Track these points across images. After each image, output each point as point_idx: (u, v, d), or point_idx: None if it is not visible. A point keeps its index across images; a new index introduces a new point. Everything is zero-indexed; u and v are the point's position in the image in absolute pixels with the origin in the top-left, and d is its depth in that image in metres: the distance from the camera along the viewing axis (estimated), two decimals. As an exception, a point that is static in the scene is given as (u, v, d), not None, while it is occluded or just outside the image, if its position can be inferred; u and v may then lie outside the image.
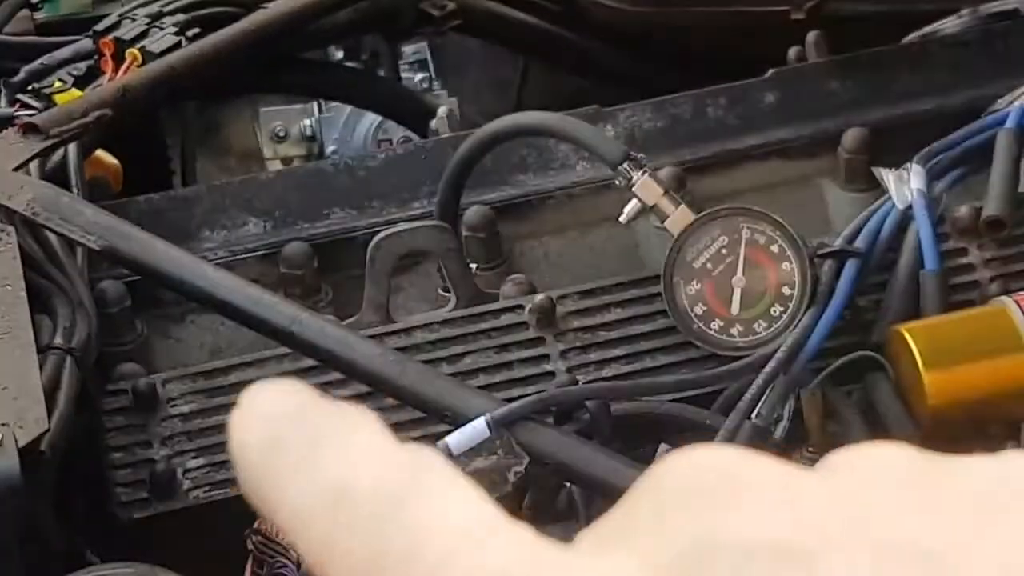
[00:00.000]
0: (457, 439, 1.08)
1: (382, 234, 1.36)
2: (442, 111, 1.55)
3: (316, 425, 0.34)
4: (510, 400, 1.11)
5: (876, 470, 0.32)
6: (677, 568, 0.30)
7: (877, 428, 1.21)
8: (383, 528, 0.32)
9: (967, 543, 0.30)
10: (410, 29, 1.80)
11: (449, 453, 1.08)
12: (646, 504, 0.33)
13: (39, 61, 1.58)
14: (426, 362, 1.24)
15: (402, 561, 0.31)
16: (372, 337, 1.24)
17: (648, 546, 0.31)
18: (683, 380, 1.24)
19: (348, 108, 2.02)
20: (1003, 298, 1.25)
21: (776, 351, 1.23)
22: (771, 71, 1.53)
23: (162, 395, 1.27)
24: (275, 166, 2.00)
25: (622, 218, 1.34)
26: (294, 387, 0.36)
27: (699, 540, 0.31)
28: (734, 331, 1.28)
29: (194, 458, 1.24)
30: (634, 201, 1.32)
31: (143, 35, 1.57)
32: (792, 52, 1.57)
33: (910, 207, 1.31)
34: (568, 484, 1.19)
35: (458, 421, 1.09)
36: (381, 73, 2.10)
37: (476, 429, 1.08)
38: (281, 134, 2.04)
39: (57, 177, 1.38)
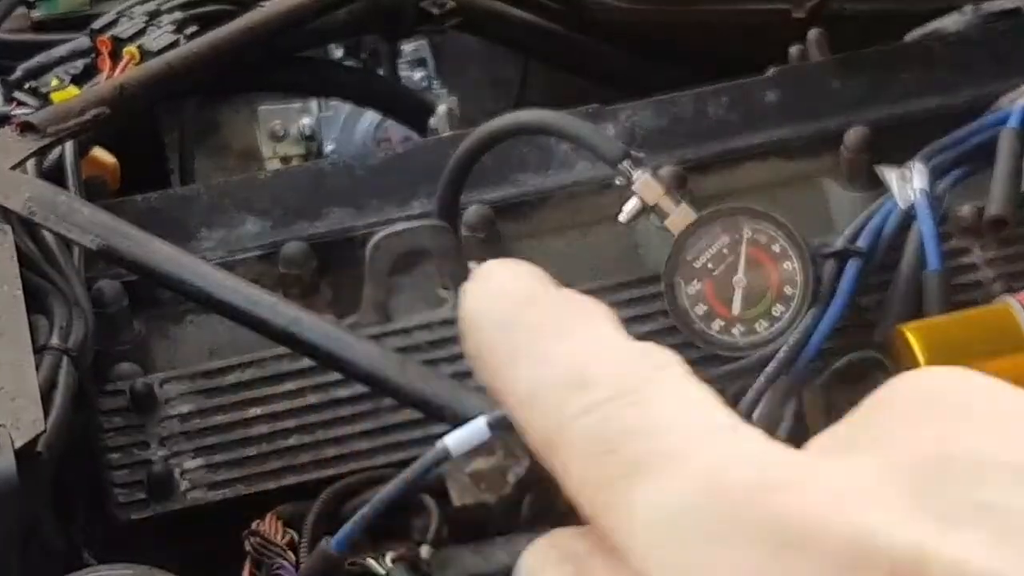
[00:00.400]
0: (456, 439, 1.07)
1: (381, 233, 1.35)
2: (442, 110, 1.55)
3: (555, 310, 0.35)
4: (510, 400, 1.10)
5: None
6: (916, 475, 0.31)
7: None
8: (619, 417, 0.32)
9: None
10: (410, 27, 1.79)
11: (449, 453, 1.07)
12: (881, 415, 0.33)
13: (36, 59, 1.58)
14: (426, 362, 1.24)
15: (636, 449, 0.32)
16: (372, 337, 1.24)
17: (885, 452, 0.32)
18: (684, 380, 1.24)
19: (347, 107, 2.02)
20: (1006, 297, 1.25)
21: (778, 351, 1.23)
22: (772, 70, 1.53)
23: (160, 395, 1.27)
24: (274, 165, 2.00)
25: (622, 217, 1.33)
26: (531, 270, 0.36)
27: (937, 451, 0.31)
28: (735, 331, 1.28)
29: (192, 459, 1.24)
30: (634, 200, 1.32)
31: (141, 33, 1.56)
32: (793, 50, 1.56)
33: (912, 206, 1.31)
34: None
35: (457, 421, 1.08)
36: (380, 72, 2.10)
37: (475, 429, 1.07)
38: (280, 133, 2.04)
39: (54, 176, 1.37)
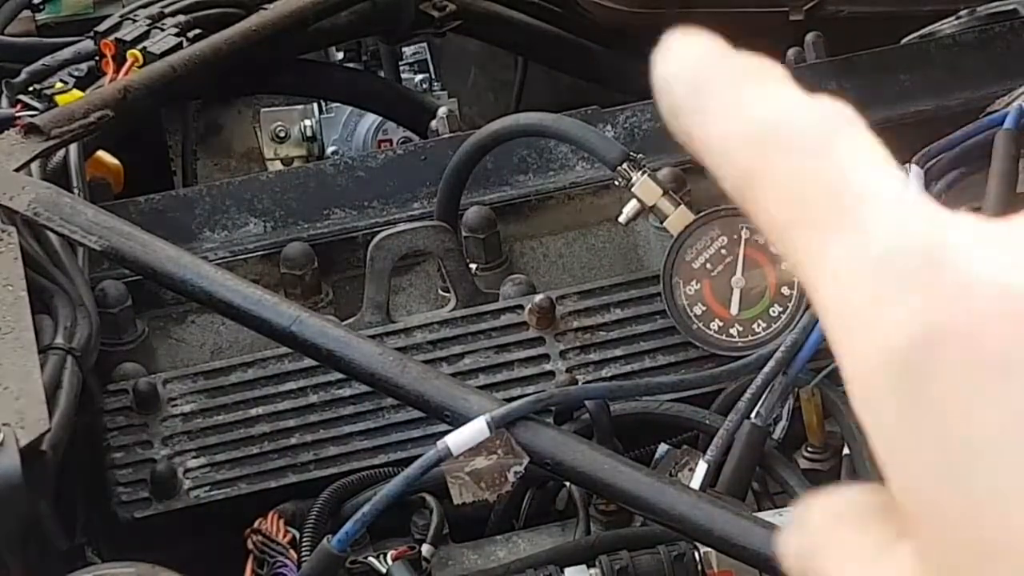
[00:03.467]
0: (457, 439, 1.08)
1: (382, 234, 1.36)
2: (442, 112, 1.56)
3: (741, 69, 0.37)
4: (510, 400, 1.11)
5: None
6: None
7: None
8: (811, 161, 0.35)
9: None
10: (410, 30, 1.80)
11: (450, 453, 1.08)
12: None
13: (40, 62, 1.59)
14: (426, 362, 1.25)
15: (827, 191, 0.34)
16: (372, 337, 1.24)
17: None
18: (682, 380, 1.25)
19: (348, 108, 2.02)
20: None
21: (775, 351, 1.23)
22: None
23: (163, 395, 1.28)
24: (276, 166, 2.00)
25: (621, 218, 1.34)
26: (712, 38, 0.38)
27: None
28: (733, 331, 1.29)
29: (195, 458, 1.25)
30: (633, 201, 1.33)
31: (144, 36, 1.57)
32: (791, 53, 1.57)
33: (909, 208, 1.32)
34: (568, 484, 1.20)
35: (458, 421, 1.09)
36: (381, 74, 2.11)
37: (476, 429, 1.08)
38: (282, 134, 2.05)
39: (58, 178, 1.38)
